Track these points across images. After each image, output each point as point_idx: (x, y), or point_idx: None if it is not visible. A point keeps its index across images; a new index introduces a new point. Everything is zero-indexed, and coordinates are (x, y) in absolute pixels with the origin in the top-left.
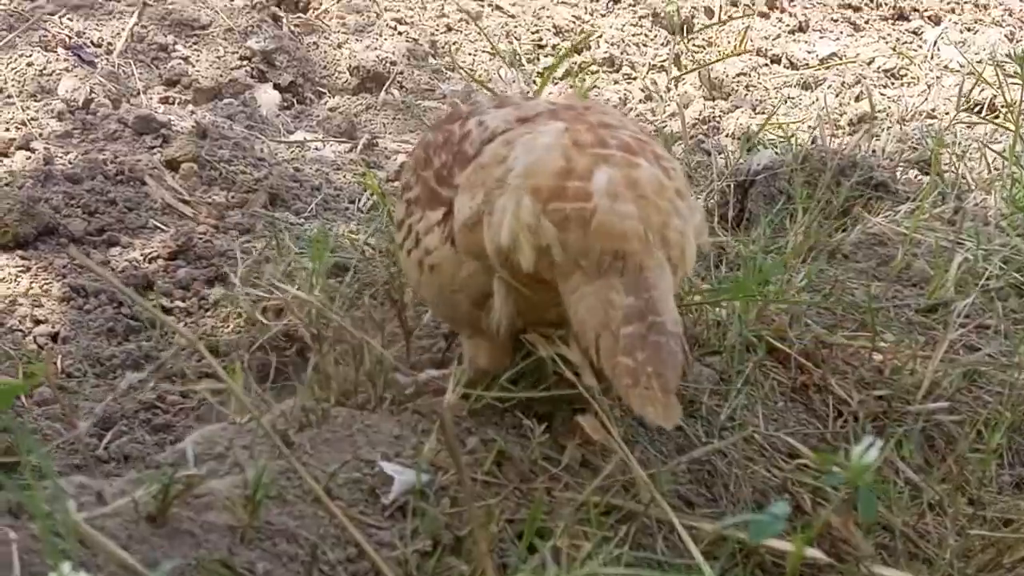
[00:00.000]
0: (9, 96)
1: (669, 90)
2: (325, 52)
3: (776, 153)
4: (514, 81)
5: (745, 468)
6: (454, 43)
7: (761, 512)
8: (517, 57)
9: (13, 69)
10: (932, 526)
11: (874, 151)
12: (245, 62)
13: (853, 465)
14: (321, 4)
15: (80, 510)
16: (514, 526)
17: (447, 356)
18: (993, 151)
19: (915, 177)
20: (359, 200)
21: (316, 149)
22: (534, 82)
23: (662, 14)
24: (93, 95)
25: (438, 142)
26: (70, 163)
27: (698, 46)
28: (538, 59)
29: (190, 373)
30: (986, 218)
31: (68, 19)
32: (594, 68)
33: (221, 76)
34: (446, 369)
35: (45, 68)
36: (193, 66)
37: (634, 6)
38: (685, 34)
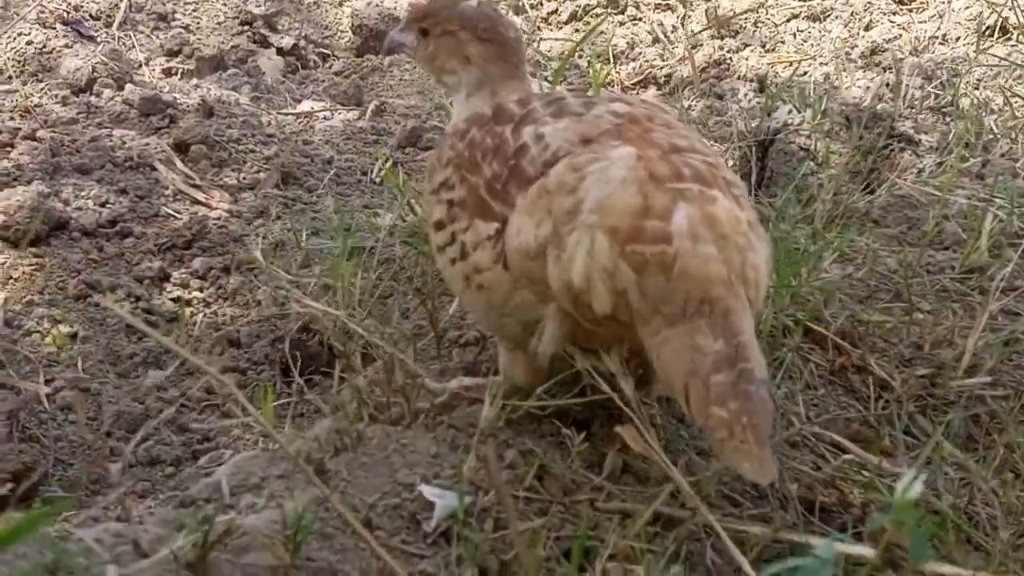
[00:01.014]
0: (9, 78)
1: (675, 29)
2: (326, 11)
3: (795, 108)
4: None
5: (789, 466)
6: None
7: (810, 517)
8: (521, 4)
9: (13, 49)
10: (981, 507)
11: (892, 95)
12: (246, 27)
13: (897, 502)
14: None
15: (117, 562)
16: (560, 543)
17: (479, 360)
18: (1017, 95)
19: (937, 124)
20: (371, 171)
21: (324, 119)
22: (538, 28)
23: None
24: (96, 74)
25: (487, 145)
26: (77, 151)
27: None
28: (541, 4)
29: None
30: (1014, 170)
31: None
32: (599, 11)
33: (223, 43)
34: (479, 377)
35: (45, 46)
36: (194, 34)
37: None
38: None
